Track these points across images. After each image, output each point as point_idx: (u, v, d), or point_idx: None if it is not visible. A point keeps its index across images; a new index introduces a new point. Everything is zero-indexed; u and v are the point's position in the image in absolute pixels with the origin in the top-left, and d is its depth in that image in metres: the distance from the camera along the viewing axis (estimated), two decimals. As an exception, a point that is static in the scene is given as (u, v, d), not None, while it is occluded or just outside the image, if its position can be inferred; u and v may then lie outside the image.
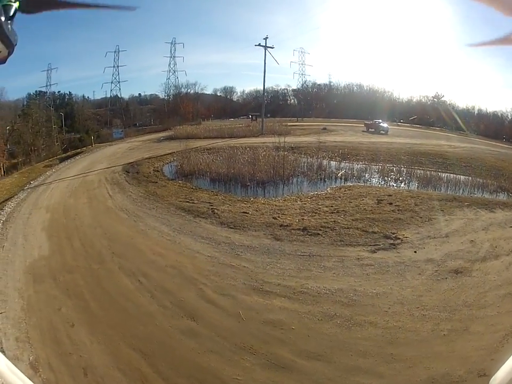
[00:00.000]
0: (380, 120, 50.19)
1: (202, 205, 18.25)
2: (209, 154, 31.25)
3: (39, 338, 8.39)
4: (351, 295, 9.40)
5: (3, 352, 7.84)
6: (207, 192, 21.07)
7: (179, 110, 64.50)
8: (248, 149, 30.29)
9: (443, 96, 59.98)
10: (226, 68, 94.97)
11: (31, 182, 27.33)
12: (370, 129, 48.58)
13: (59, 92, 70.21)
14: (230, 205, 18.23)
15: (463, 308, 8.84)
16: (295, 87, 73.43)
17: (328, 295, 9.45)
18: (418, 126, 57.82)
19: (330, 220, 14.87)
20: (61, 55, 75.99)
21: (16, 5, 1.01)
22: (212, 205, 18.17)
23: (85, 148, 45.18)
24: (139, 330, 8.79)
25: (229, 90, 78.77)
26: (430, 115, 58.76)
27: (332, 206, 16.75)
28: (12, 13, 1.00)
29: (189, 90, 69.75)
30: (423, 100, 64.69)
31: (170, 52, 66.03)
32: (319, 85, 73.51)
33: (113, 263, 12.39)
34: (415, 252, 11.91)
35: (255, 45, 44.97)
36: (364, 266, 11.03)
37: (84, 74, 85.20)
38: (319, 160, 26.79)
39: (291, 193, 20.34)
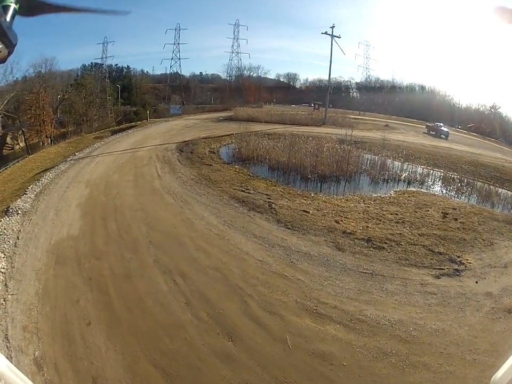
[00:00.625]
0: (441, 124, 50.89)
1: (259, 197, 17.33)
2: (269, 140, 30.56)
3: (49, 332, 8.08)
4: (411, 329, 8.83)
5: (7, 340, 7.71)
6: (264, 182, 20.45)
7: (241, 92, 68.04)
8: (310, 138, 29.96)
9: (500, 107, 61.54)
10: (286, 54, 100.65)
11: (76, 153, 27.92)
12: (431, 132, 49.48)
13: (116, 65, 75.24)
14: (289, 200, 17.28)
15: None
16: (358, 80, 77.39)
17: (387, 327, 8.83)
18: (475, 134, 58.71)
19: (396, 231, 14.29)
20: (121, 31, 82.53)
21: (15, 6, 1.05)
22: (269, 198, 17.27)
23: (139, 122, 46.12)
24: (165, 343, 7.93)
25: (292, 77, 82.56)
26: (486, 125, 60.59)
27: (396, 214, 16.21)
28: (11, 14, 1.05)
29: (251, 73, 73.82)
30: (481, 109, 66.78)
31: (234, 33, 69.80)
32: (381, 80, 76.45)
33: (148, 255, 11.69)
34: (477, 282, 11.30)
35: (322, 33, 46.97)
36: (426, 294, 10.39)
37: (143, 50, 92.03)
38: (382, 158, 26.29)
39: (354, 193, 19.92)
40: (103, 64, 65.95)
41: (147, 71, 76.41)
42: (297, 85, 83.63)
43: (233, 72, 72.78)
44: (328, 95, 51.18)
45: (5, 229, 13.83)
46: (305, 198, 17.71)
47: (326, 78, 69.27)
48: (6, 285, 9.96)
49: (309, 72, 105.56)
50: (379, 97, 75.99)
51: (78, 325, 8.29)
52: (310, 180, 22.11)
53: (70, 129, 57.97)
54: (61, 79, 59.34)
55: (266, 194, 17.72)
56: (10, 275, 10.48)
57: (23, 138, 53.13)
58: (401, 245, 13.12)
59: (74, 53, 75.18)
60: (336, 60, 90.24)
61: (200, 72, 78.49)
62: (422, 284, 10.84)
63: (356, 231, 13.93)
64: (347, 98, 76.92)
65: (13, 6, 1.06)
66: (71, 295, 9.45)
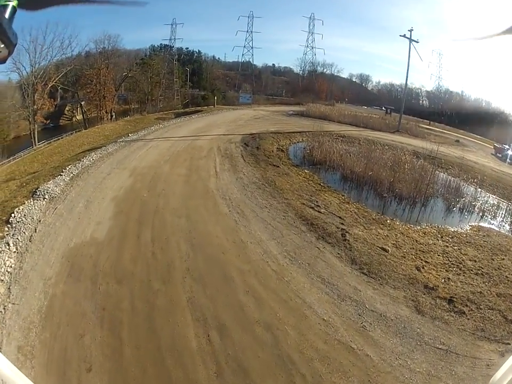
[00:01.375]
0: (509, 147, 45.93)
1: (331, 219, 14.39)
2: (342, 143, 28.15)
3: (44, 363, 6.97)
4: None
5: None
6: (336, 196, 17.84)
7: (313, 87, 65.26)
8: (386, 147, 27.19)
9: None
10: (358, 54, 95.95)
11: (130, 134, 26.20)
12: (498, 154, 45.02)
13: (187, 48, 73.86)
14: (364, 228, 14.34)
15: None
16: (428, 89, 73.07)
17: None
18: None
19: (476, 288, 11.91)
20: (192, 16, 78.76)
21: (14, 3, 1.04)
22: (342, 223, 14.34)
23: (206, 107, 44.34)
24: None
25: (364, 78, 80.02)
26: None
27: (475, 261, 13.80)
28: (11, 13, 1.05)
29: (324, 70, 71.00)
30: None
31: (309, 27, 64.85)
32: (451, 92, 71.94)
33: (182, 289, 9.13)
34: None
35: (400, 35, 43.14)
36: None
37: (215, 36, 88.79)
38: (457, 181, 23.41)
39: (430, 223, 17.22)
40: (172, 46, 63.76)
41: (218, 57, 76.22)
42: (369, 87, 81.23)
43: (307, 67, 69.84)
44: (404, 101, 49.27)
45: (25, 215, 12.21)
46: (381, 226, 14.87)
47: (398, 82, 73.38)
48: (9, 289, 8.87)
49: (380, 74, 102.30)
50: (447, 108, 70.24)
51: (77, 368, 6.90)
52: (385, 199, 19.46)
53: (134, 107, 58.57)
54: (127, 57, 58.87)
55: (339, 217, 14.79)
56: (16, 278, 9.27)
57: (81, 111, 53.57)
58: (480, 309, 10.92)
59: (142, 35, 76.61)
60: (404, 65, 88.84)
61: (273, 64, 76.73)
62: (488, 366, 8.72)
63: (438, 286, 11.28)
64: (416, 106, 71.75)
65: (11, 4, 1.03)
66: (76, 326, 7.85)
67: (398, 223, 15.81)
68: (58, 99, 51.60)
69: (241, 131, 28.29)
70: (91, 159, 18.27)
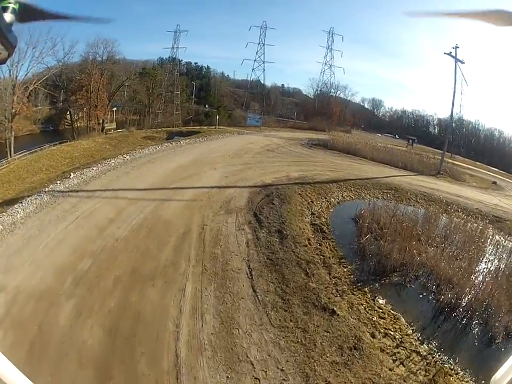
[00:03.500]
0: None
1: None
2: (397, 201, 17.10)
3: None
4: None
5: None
6: None
7: (326, 111, 53.74)
8: (456, 210, 16.00)
9: None
10: (369, 78, 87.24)
11: (91, 167, 15.16)
12: None
13: (196, 63, 68.15)
14: None
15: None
16: (441, 116, 65.30)
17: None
18: None
19: None
20: (204, 32, 72.13)
21: (15, 6, 0.99)
22: None
23: (206, 128, 31.27)
24: None
25: (377, 103, 71.64)
26: None
27: None
28: (11, 16, 0.99)
29: (338, 93, 59.93)
30: None
31: (327, 42, 54.88)
32: (463, 120, 62.71)
33: None
34: None
35: (445, 53, 30.97)
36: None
37: (225, 54, 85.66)
38: None
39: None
40: (179, 60, 53.73)
41: (228, 75, 69.02)
42: (380, 113, 73.42)
43: (320, 88, 58.71)
44: (448, 138, 35.75)
45: None
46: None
47: (409, 109, 68.46)
48: None
49: (392, 100, 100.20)
50: (460, 138, 61.78)
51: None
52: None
53: (131, 118, 48.49)
54: (126, 66, 48.42)
55: None
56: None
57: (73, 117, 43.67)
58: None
59: (147, 47, 72.77)
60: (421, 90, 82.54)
61: (282, 84, 68.95)
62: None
63: None
64: (428, 134, 64.46)
65: (11, 6, 0.96)
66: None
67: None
68: (61, 103, 44.32)
69: (248, 178, 15.70)
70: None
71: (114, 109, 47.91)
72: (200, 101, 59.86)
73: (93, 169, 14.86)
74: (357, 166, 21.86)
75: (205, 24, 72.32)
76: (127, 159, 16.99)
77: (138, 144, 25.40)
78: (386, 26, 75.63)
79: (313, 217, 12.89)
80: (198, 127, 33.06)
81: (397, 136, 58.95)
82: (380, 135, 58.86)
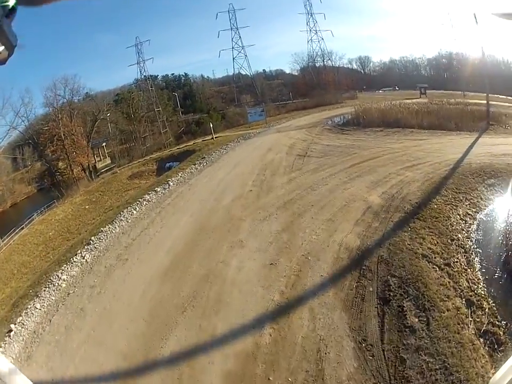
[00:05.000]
0: None
1: None
2: None
3: None
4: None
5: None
6: None
7: (319, 82, 46.26)
8: None
9: None
10: (348, 40, 73.77)
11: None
12: None
13: (172, 74, 59.34)
14: None
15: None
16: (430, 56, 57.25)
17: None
18: None
19: None
20: (171, 43, 62.36)
21: (14, 4, 0.92)
22: None
23: (200, 143, 22.70)
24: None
25: (364, 61, 60.10)
26: None
27: None
28: (11, 15, 0.93)
29: (327, 60, 50.39)
30: None
31: (306, 8, 43.68)
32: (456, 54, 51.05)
33: None
34: None
35: None
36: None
37: (199, 58, 70.36)
38: None
39: None
40: (145, 76, 43.51)
41: (207, 76, 59.69)
42: (371, 69, 62.82)
43: (313, 58, 49.16)
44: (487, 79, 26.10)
45: None
46: None
47: (396, 57, 58.21)
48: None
49: (378, 55, 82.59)
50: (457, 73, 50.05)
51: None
52: None
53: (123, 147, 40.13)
54: (102, 99, 40.48)
55: None
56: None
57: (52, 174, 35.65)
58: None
59: (120, 73, 59.60)
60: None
61: (264, 70, 59.53)
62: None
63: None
64: (420, 77, 55.93)
65: (11, 5, 0.89)
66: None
67: None
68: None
69: (311, 249, 7.55)
70: None
71: (104, 144, 40.32)
72: (188, 110, 51.41)
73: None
74: (420, 145, 14.23)
75: (168, 35, 62.73)
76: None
77: (123, 190, 19.17)
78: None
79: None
80: (192, 142, 24.29)
81: (397, 88, 51.81)
82: (381, 91, 51.34)
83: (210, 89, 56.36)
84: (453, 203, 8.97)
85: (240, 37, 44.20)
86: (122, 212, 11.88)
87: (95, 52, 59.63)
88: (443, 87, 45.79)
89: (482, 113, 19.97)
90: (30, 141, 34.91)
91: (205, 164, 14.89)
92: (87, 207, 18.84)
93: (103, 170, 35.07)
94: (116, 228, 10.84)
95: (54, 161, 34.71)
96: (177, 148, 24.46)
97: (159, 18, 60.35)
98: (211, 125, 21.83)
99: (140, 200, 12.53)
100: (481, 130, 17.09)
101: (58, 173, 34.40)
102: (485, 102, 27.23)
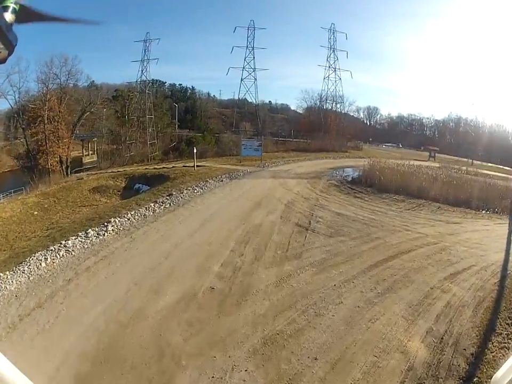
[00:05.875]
0: None
1: None
2: None
3: None
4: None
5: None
6: None
7: (324, 126, 41.62)
8: None
9: None
10: (356, 87, 72.52)
11: None
12: None
13: (180, 84, 57.79)
14: None
15: None
16: (439, 118, 57.96)
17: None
18: None
19: None
20: (187, 53, 59.99)
21: (15, 6, 0.88)
22: None
23: (179, 170, 18.13)
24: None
25: (372, 111, 59.73)
26: None
27: None
28: (11, 15, 0.89)
29: (334, 104, 45.47)
30: None
31: (328, 39, 40.55)
32: (464, 119, 53.84)
33: None
34: None
35: None
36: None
37: (210, 75, 72.69)
38: None
39: None
40: (146, 80, 38.45)
41: (214, 95, 58.38)
42: (378, 121, 63.00)
43: (325, 97, 44.35)
44: None
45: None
46: None
47: (404, 113, 58.64)
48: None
49: (386, 107, 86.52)
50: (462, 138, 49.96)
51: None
52: None
53: (102, 149, 35.54)
54: (90, 92, 35.22)
55: None
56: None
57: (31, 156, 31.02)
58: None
59: (119, 70, 61.52)
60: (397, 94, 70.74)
61: (269, 101, 57.82)
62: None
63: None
64: (421, 136, 56.13)
65: (12, 6, 0.86)
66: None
67: None
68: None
69: None
70: None
71: (95, 139, 36.40)
72: (186, 125, 48.40)
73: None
74: (455, 232, 10.47)
75: (186, 45, 58.05)
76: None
77: (79, 204, 16.43)
78: (367, 33, 63.05)
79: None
80: (172, 165, 19.95)
81: (400, 145, 50.10)
82: (384, 146, 49.57)
83: (213, 109, 54.55)
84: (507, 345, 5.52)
85: (254, 57, 40.58)
86: (36, 253, 7.43)
87: (108, 41, 57.05)
88: (446, 151, 43.71)
89: (504, 189, 16.29)
90: (15, 115, 30.72)
91: (168, 205, 10.40)
92: (35, 213, 15.50)
93: (84, 168, 30.72)
94: (12, 282, 6.41)
95: (34, 144, 30.48)
96: (154, 168, 20.11)
97: (180, 24, 57.95)
98: (195, 150, 17.25)
99: (62, 243, 7.95)
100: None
101: (34, 160, 29.88)
102: (497, 173, 24.14)
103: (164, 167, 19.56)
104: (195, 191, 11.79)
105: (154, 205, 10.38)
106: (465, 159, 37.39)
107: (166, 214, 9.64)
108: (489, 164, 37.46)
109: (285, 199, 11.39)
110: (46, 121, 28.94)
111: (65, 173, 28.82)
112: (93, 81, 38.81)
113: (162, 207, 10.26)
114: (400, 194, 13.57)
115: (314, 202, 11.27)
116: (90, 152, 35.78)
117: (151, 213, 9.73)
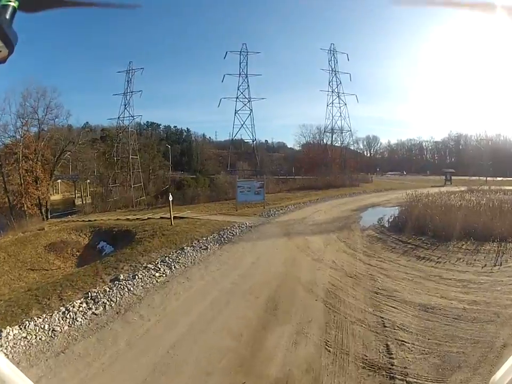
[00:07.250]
0: None
1: None
2: None
3: None
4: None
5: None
6: None
7: (325, 160, 37.20)
8: None
9: None
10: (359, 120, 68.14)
11: None
12: None
13: (175, 126, 55.29)
14: None
15: None
16: (438, 139, 55.93)
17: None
18: None
19: None
20: (183, 96, 62.28)
21: (15, 4, 0.84)
22: None
23: (154, 223, 12.21)
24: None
25: (371, 141, 57.29)
26: None
27: None
28: (11, 14, 0.84)
29: (340, 134, 41.32)
30: None
31: (329, 63, 37.93)
32: (465, 136, 52.35)
33: None
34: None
35: None
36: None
37: (205, 118, 70.34)
38: None
39: None
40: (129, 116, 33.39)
41: (209, 137, 56.11)
42: (379, 150, 61.10)
43: (331, 126, 39.69)
44: None
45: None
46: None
47: (404, 139, 56.36)
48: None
49: (386, 136, 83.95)
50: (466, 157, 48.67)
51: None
52: None
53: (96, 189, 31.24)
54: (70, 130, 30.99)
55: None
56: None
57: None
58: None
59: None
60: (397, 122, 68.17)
61: (266, 140, 56.25)
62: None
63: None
64: (420, 160, 57.11)
65: (12, 4, 0.81)
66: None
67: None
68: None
69: None
70: None
71: (88, 181, 32.63)
72: (183, 167, 45.69)
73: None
74: None
75: (180, 88, 58.16)
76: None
77: (28, 267, 11.31)
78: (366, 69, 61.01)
79: None
80: (147, 216, 14.38)
81: (404, 172, 48.95)
82: (389, 174, 48.29)
83: (210, 150, 51.35)
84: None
85: (248, 85, 35.94)
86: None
87: (97, 81, 54.70)
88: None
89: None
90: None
91: (101, 308, 5.05)
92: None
93: (76, 210, 26.79)
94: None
95: (9, 184, 25.34)
96: (127, 219, 14.58)
97: (176, 69, 54.96)
98: (170, 198, 11.74)
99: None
100: None
101: (11, 201, 24.62)
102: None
103: (137, 218, 14.00)
104: (157, 273, 6.14)
105: (79, 306, 4.89)
106: (475, 177, 33.36)
107: (85, 338, 4.04)
108: (499, 178, 34.10)
109: (318, 285, 5.64)
110: (21, 159, 24.01)
111: (44, 217, 23.72)
112: (87, 122, 34.67)
113: (89, 313, 4.73)
114: (465, 240, 8.12)
115: (370, 285, 5.60)
116: (83, 194, 30.93)
117: (66, 327, 4.23)
